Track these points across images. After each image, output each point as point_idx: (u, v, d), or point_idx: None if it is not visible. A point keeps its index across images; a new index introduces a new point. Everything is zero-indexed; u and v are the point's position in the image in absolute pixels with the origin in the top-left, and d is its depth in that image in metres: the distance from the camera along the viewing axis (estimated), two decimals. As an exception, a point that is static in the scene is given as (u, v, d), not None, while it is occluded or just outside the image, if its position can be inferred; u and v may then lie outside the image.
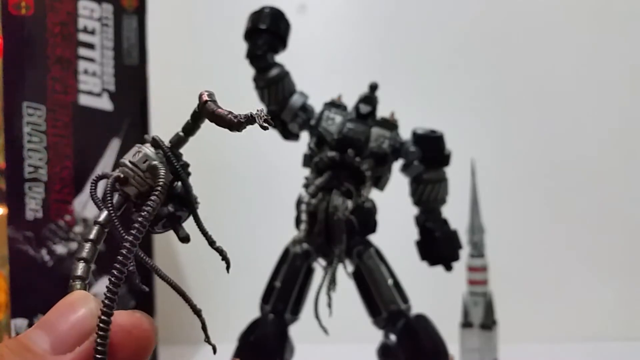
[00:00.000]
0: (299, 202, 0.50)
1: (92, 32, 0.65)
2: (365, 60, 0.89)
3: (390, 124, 0.52)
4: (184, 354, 0.82)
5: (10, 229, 0.59)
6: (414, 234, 0.55)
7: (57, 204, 0.62)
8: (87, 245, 0.26)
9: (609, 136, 0.88)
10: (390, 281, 0.51)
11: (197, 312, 0.30)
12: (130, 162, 0.28)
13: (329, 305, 0.48)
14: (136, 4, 0.69)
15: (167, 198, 0.28)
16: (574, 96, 0.88)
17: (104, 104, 0.66)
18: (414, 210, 0.55)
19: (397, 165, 0.54)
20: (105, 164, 0.66)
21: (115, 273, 0.24)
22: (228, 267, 0.32)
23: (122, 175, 0.27)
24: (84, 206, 0.64)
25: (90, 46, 0.65)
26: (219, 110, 0.28)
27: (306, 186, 0.50)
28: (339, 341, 0.58)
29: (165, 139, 0.30)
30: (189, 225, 0.31)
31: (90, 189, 0.27)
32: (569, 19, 0.88)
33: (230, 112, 0.28)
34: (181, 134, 0.30)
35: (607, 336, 0.84)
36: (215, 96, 0.29)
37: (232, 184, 0.90)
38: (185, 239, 0.30)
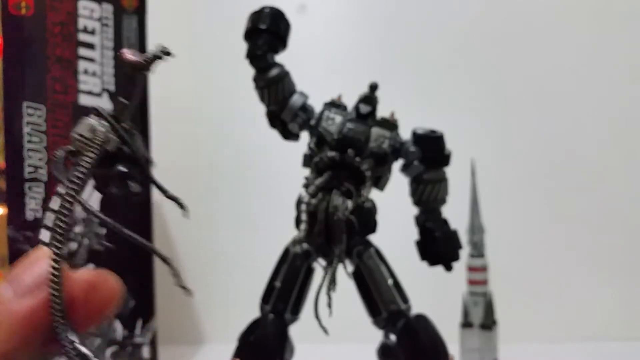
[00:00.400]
0: (299, 202, 0.50)
1: (92, 32, 0.65)
2: (365, 60, 0.89)
3: (390, 124, 0.52)
4: (184, 354, 0.82)
5: (10, 229, 0.59)
6: (414, 234, 0.55)
7: (57, 204, 0.62)
8: (51, 216, 0.29)
9: (609, 136, 0.88)
10: (390, 281, 0.51)
11: (166, 261, 0.33)
12: (78, 134, 0.31)
13: (329, 305, 0.48)
14: (136, 4, 0.69)
15: (116, 160, 0.32)
16: (574, 96, 0.88)
17: (104, 104, 0.66)
18: (414, 210, 0.55)
19: (397, 165, 0.54)
20: (105, 164, 0.66)
21: (58, 223, 0.28)
22: (184, 210, 0.34)
23: (73, 149, 0.31)
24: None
25: (90, 46, 0.65)
26: (131, 57, 0.33)
27: (306, 186, 0.50)
28: (339, 341, 0.58)
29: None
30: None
31: (54, 167, 0.30)
32: (569, 18, 0.88)
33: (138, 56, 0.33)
34: (123, 100, 0.34)
35: (607, 336, 0.84)
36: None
37: (232, 184, 0.90)
38: (135, 194, 0.33)
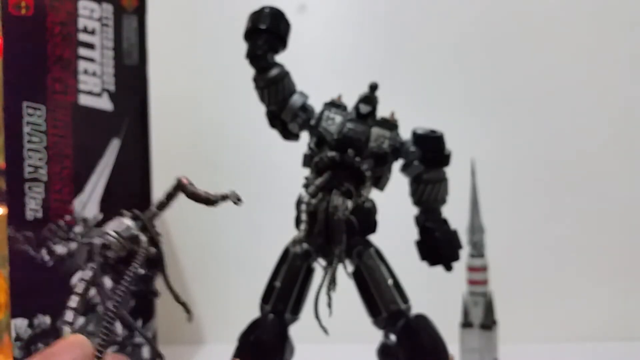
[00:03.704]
0: (299, 202, 0.50)
1: (92, 32, 0.65)
2: (365, 60, 0.89)
3: (390, 124, 0.52)
4: (184, 354, 0.82)
5: (10, 229, 0.59)
6: (414, 234, 0.55)
7: (57, 204, 0.62)
8: (76, 298, 0.33)
9: (610, 136, 0.88)
10: (390, 281, 0.51)
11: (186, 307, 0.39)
12: (114, 231, 0.35)
13: (329, 305, 0.48)
14: (136, 4, 0.69)
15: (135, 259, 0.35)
16: (574, 96, 0.88)
17: (104, 104, 0.66)
18: (414, 210, 0.55)
19: (397, 165, 0.54)
20: (105, 164, 0.66)
21: (104, 330, 0.31)
22: (190, 318, 0.39)
23: (106, 243, 0.34)
24: (84, 206, 0.64)
25: (90, 46, 0.65)
26: (198, 191, 0.38)
27: (306, 186, 0.50)
28: (339, 341, 0.58)
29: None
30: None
31: (78, 253, 0.34)
32: (569, 18, 0.89)
33: (206, 192, 0.38)
34: (154, 209, 0.37)
35: (607, 336, 0.84)
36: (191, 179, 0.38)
37: (232, 184, 0.90)
38: (155, 294, 0.39)
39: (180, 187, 0.36)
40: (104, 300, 0.33)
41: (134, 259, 0.34)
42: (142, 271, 0.35)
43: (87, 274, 0.33)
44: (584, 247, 0.87)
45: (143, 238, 0.35)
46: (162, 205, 0.37)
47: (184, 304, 0.39)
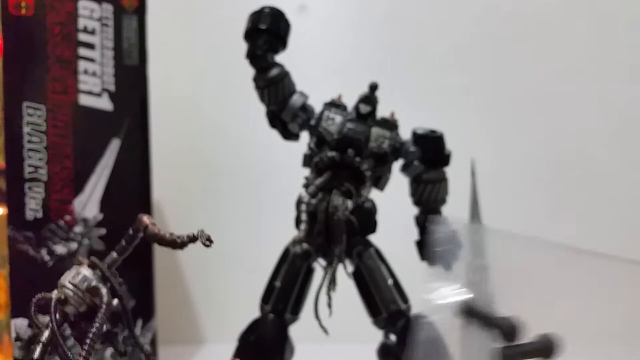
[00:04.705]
0: (299, 202, 0.51)
1: (92, 32, 0.65)
2: (365, 60, 0.89)
3: (390, 124, 0.52)
4: (184, 354, 0.82)
5: (10, 229, 0.59)
6: (414, 234, 0.55)
7: (57, 204, 0.62)
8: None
9: (610, 136, 0.88)
10: (390, 281, 0.51)
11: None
12: (70, 283, 0.31)
13: (329, 305, 0.48)
14: (136, 4, 0.69)
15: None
16: (574, 96, 0.88)
17: (104, 104, 0.66)
18: (414, 210, 0.55)
19: (397, 165, 0.54)
20: (105, 164, 0.66)
21: None
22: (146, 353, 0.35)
23: (62, 297, 0.31)
24: (84, 206, 0.64)
25: (90, 46, 0.65)
26: (162, 232, 0.32)
27: (306, 186, 0.51)
28: (339, 341, 0.58)
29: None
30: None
31: (32, 311, 0.30)
32: (569, 18, 0.89)
33: (172, 234, 0.32)
34: (115, 255, 0.33)
35: (607, 336, 0.83)
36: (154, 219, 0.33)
37: (232, 184, 0.90)
38: (123, 353, 0.35)
39: (141, 229, 0.32)
40: None
41: (95, 315, 0.29)
42: (105, 328, 0.31)
43: (45, 334, 0.30)
44: (584, 246, 0.87)
45: (104, 290, 0.30)
46: (123, 250, 0.33)
47: (148, 357, 0.35)
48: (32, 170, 0.60)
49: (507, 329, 0.30)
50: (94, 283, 0.31)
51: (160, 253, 0.80)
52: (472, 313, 0.30)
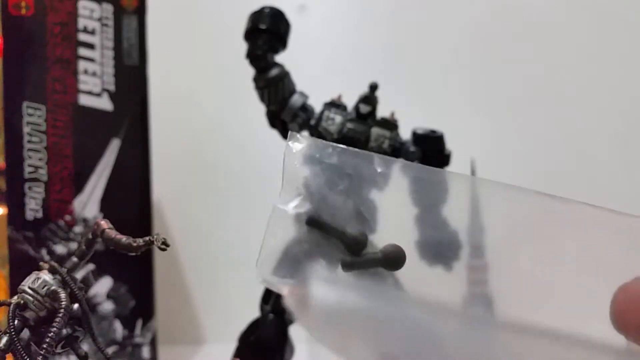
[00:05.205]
0: (299, 202, 0.50)
1: (92, 32, 0.65)
2: (365, 60, 0.89)
3: (390, 124, 0.52)
4: (184, 354, 0.82)
5: (10, 229, 0.59)
6: (413, 234, 0.55)
7: (57, 204, 0.62)
8: None
9: (611, 136, 0.88)
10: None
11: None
12: (30, 288, 0.31)
13: (329, 305, 0.48)
14: (136, 4, 0.69)
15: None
16: (575, 96, 0.88)
17: (104, 104, 0.66)
18: (414, 210, 0.55)
19: (397, 165, 0.53)
20: (105, 164, 0.66)
21: None
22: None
23: (22, 302, 0.31)
24: (84, 206, 0.64)
25: (90, 46, 0.65)
26: (118, 236, 0.32)
27: (306, 186, 0.50)
28: (339, 341, 0.58)
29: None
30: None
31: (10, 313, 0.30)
32: (570, 18, 0.89)
33: (128, 237, 0.32)
34: (75, 259, 0.33)
35: (607, 337, 0.83)
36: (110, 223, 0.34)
37: (232, 184, 0.90)
38: (84, 357, 0.33)
39: (99, 233, 0.32)
40: None
41: (54, 319, 0.29)
42: (64, 332, 0.31)
43: (3, 340, 0.29)
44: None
45: (63, 294, 0.30)
46: (83, 255, 0.33)
47: (106, 355, 0.34)
48: (32, 170, 0.60)
49: (350, 241, 0.31)
50: (53, 287, 0.31)
51: (160, 253, 0.80)
52: (318, 225, 0.31)
